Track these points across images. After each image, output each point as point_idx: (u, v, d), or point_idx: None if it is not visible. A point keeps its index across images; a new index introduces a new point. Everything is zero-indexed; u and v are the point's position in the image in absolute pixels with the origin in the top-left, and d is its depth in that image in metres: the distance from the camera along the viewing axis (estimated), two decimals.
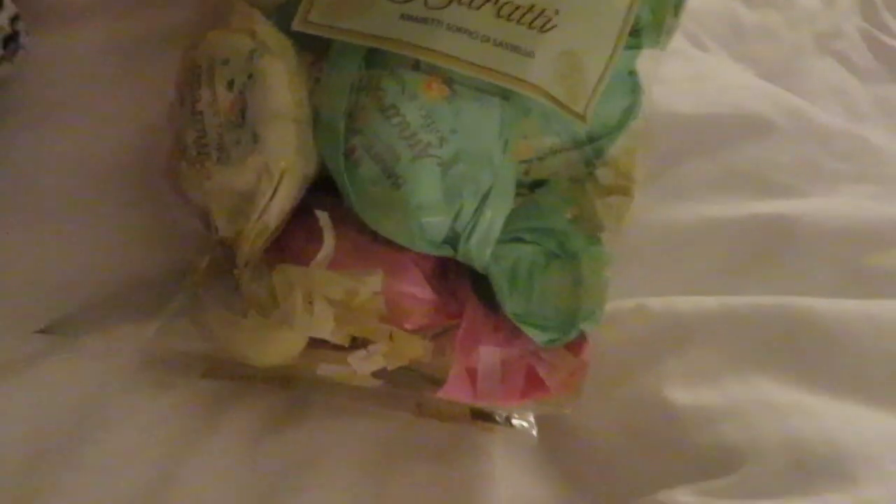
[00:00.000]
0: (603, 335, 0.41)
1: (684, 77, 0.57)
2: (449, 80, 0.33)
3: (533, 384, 0.35)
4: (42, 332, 0.37)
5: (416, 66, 0.33)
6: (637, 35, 0.37)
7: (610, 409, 0.40)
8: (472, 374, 0.34)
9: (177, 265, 0.38)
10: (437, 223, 0.33)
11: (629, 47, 0.37)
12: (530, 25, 0.33)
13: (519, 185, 0.36)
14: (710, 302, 0.43)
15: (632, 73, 0.38)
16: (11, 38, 0.38)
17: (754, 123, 0.53)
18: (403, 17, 0.33)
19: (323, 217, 0.33)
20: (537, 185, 0.37)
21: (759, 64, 0.88)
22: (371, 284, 0.33)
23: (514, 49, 0.33)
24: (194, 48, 0.36)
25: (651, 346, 0.41)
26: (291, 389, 0.37)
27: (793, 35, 0.92)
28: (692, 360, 0.40)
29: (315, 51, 0.35)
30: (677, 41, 0.76)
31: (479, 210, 0.34)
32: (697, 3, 0.87)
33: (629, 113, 0.37)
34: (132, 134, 0.41)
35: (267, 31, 0.34)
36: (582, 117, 0.34)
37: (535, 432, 0.38)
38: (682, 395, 0.39)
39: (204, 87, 0.35)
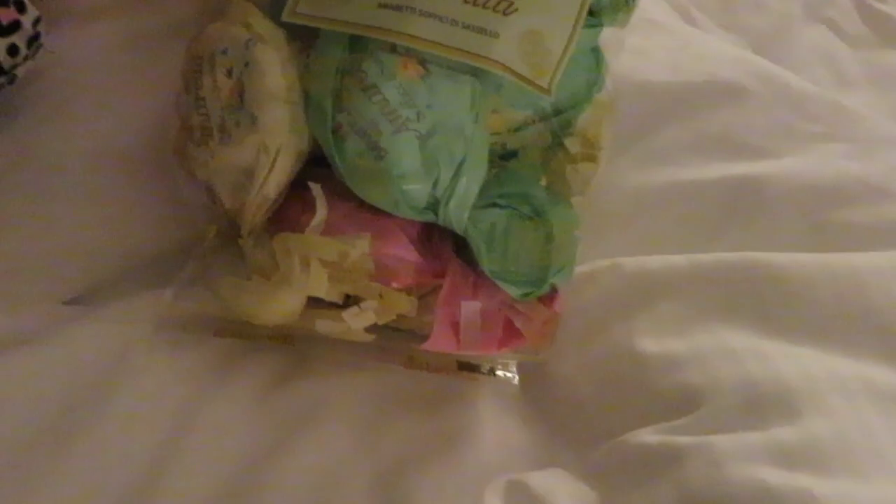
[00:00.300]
0: (580, 292, 0.44)
1: (663, 47, 0.59)
2: (423, 61, 0.37)
3: (510, 334, 0.38)
4: (68, 303, 0.41)
5: (394, 48, 0.37)
6: (597, 15, 0.41)
7: (585, 360, 0.43)
8: (455, 327, 0.38)
9: (188, 237, 0.41)
10: (417, 190, 0.37)
11: (589, 26, 0.40)
12: (494, 9, 0.37)
13: (493, 155, 0.40)
14: (679, 259, 0.46)
15: (595, 50, 0.41)
16: (34, 38, 0.41)
17: (728, 89, 0.55)
18: (381, 5, 0.37)
19: (315, 188, 0.37)
20: (511, 155, 0.41)
21: (748, 34, 0.90)
22: (360, 247, 0.36)
23: (481, 31, 0.36)
24: (196, 40, 0.39)
25: (624, 301, 0.44)
26: (295, 346, 0.41)
27: (782, 4, 0.93)
28: (661, 313, 0.43)
29: (304, 39, 0.38)
30: (664, 15, 0.79)
31: (455, 177, 0.37)
32: None
33: (593, 86, 0.41)
34: (145, 121, 0.44)
35: (260, 22, 0.38)
36: (546, 91, 0.38)
37: (516, 381, 0.41)
38: (650, 344, 0.42)
39: (206, 75, 0.38)
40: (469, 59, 0.36)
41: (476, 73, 0.37)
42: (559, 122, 0.40)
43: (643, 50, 0.60)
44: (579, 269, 0.43)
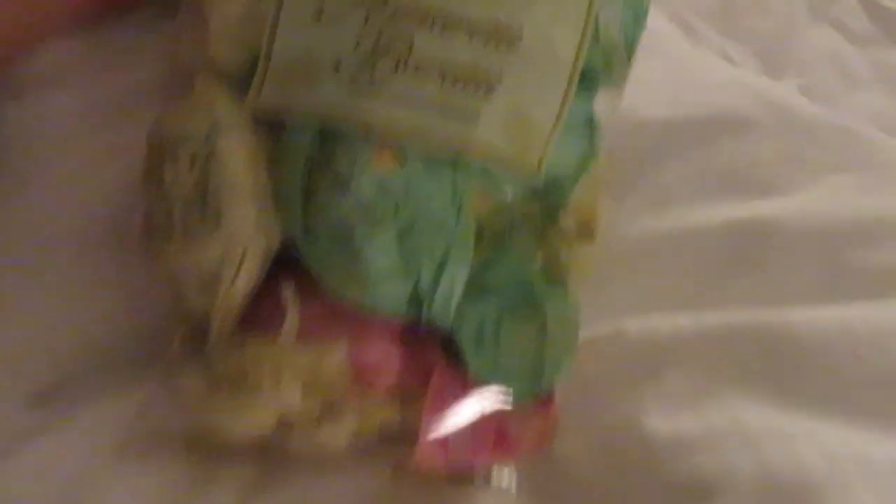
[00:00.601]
0: (582, 363, 0.42)
1: (663, 78, 0.57)
2: (399, 150, 0.34)
3: (504, 441, 0.36)
4: (31, 407, 0.39)
5: (367, 137, 0.34)
6: (590, 79, 0.38)
7: (591, 440, 0.40)
8: (442, 437, 0.35)
9: (154, 333, 0.39)
10: (397, 291, 0.34)
11: (583, 91, 0.37)
12: (475, 90, 0.34)
13: (481, 238, 0.37)
14: (685, 322, 0.43)
15: (589, 118, 0.38)
16: None
17: (733, 121, 0.53)
18: (351, 91, 0.34)
19: (287, 290, 0.34)
20: (499, 235, 0.38)
21: (751, 39, 0.87)
22: (336, 355, 0.34)
23: (460, 114, 0.34)
24: (159, 125, 0.37)
25: (629, 372, 0.42)
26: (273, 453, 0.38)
27: (786, 5, 0.90)
28: (669, 385, 0.41)
29: (273, 123, 0.36)
30: (663, 28, 0.75)
31: (437, 275, 0.34)
32: None
33: (587, 158, 0.38)
34: (107, 201, 0.42)
35: (225, 107, 0.35)
36: (535, 171, 0.35)
37: (514, 489, 0.39)
38: (659, 422, 0.39)
39: (168, 165, 0.35)
40: (450, 147, 0.33)
41: (457, 159, 0.34)
42: (551, 198, 0.37)
43: (640, 79, 0.57)
44: (581, 333, 0.40)
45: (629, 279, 0.46)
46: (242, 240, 0.34)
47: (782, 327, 0.42)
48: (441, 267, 0.34)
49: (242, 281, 0.34)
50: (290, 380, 0.33)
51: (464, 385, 0.35)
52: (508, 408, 0.35)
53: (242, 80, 0.36)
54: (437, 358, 0.36)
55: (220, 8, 0.36)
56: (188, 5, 0.38)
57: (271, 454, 0.37)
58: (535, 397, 0.36)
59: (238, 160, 0.34)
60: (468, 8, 0.33)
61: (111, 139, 0.43)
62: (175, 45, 0.40)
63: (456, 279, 0.35)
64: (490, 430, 0.35)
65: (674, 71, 0.58)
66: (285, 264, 0.36)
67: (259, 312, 0.36)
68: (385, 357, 0.35)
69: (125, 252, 0.40)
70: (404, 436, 0.36)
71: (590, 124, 0.38)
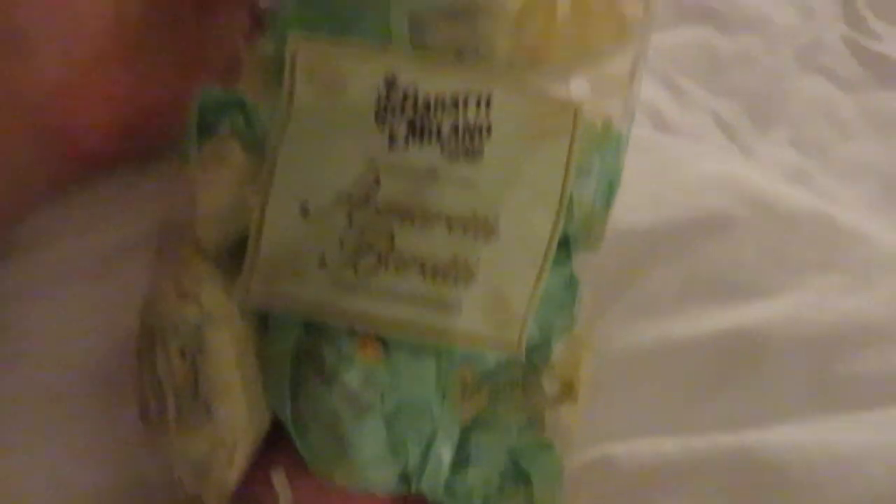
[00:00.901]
0: (570, 496, 0.43)
1: (641, 178, 0.57)
2: (383, 342, 0.35)
3: None
4: None
5: (353, 330, 0.35)
6: (568, 244, 0.38)
7: None
8: None
9: (151, 492, 0.40)
10: (386, 473, 0.35)
11: (560, 255, 0.38)
12: (455, 280, 0.35)
13: (465, 403, 0.38)
14: (672, 448, 0.44)
15: (568, 279, 0.39)
16: None
17: (714, 221, 0.53)
18: (335, 284, 0.35)
19: (278, 478, 0.36)
20: (484, 401, 0.39)
21: (739, 95, 0.87)
22: None
23: (441, 305, 0.35)
24: (148, 310, 0.37)
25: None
26: None
27: (772, 57, 0.90)
28: None
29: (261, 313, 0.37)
30: (647, 101, 0.76)
31: (424, 455, 0.35)
32: (668, 38, 0.86)
33: (567, 320, 0.39)
34: (96, 352, 0.43)
35: (213, 298, 0.36)
36: (515, 348, 0.36)
37: None
38: None
39: (159, 353, 0.36)
40: (432, 338, 0.34)
41: (439, 347, 0.35)
42: (533, 362, 0.38)
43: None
44: (567, 462, 0.41)
45: (616, 398, 0.46)
46: (233, 433, 0.35)
47: (766, 451, 0.43)
48: (428, 447, 0.35)
49: (234, 471, 0.35)
50: None
51: None
52: None
53: (229, 257, 0.37)
54: None
55: (207, 193, 0.36)
56: (180, 179, 0.38)
57: None
58: None
59: (228, 357, 0.35)
60: (446, 202, 0.34)
61: (100, 297, 0.44)
62: (164, 209, 0.41)
63: (443, 456, 0.36)
64: None
65: (653, 166, 0.57)
66: (276, 436, 0.37)
67: (252, 488, 0.37)
68: None
69: (119, 408, 0.41)
70: None
71: (569, 284, 0.39)
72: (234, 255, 0.37)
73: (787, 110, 0.88)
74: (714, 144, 0.80)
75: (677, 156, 0.60)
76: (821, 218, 0.55)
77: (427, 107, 0.34)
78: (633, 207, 0.54)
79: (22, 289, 0.44)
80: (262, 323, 0.36)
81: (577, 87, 0.38)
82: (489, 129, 0.35)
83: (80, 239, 0.46)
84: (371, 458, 0.34)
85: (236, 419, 0.35)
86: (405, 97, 0.34)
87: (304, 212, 0.34)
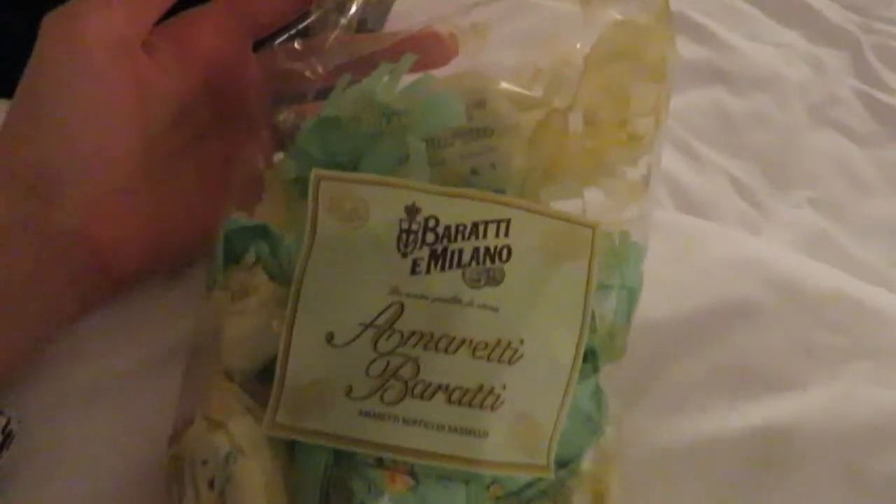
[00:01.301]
0: None
1: (664, 264, 0.57)
2: (412, 471, 0.35)
3: None
4: None
5: (381, 461, 0.35)
6: (592, 358, 0.39)
7: None
8: None
9: None
10: None
11: (585, 370, 0.38)
12: (482, 406, 0.35)
13: None
14: None
15: (594, 390, 0.39)
16: (6, 438, 0.40)
17: (738, 309, 0.53)
18: (362, 413, 0.35)
19: None
20: None
21: (754, 154, 0.87)
22: None
23: (469, 432, 0.35)
24: (177, 440, 0.38)
25: None
26: None
27: (785, 115, 0.91)
28: None
29: (290, 442, 0.37)
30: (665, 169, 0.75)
31: None
32: (681, 101, 0.86)
33: (594, 433, 0.39)
34: (129, 475, 0.43)
35: (241, 427, 0.36)
36: (545, 470, 0.36)
37: None
38: None
39: (188, 485, 0.37)
40: (460, 466, 0.34)
41: (468, 475, 0.35)
42: (561, 474, 0.38)
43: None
44: None
45: (646, 499, 0.45)
46: None
47: None
48: None
49: None
50: None
51: None
52: None
53: (258, 381, 0.38)
54: None
55: (234, 321, 0.37)
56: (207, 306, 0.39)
57: None
58: None
59: (256, 487, 0.35)
60: (470, 328, 0.34)
61: (130, 414, 0.44)
62: (191, 332, 0.42)
63: None
64: None
65: (674, 251, 0.57)
66: None
67: None
68: None
69: None
70: None
71: (596, 396, 0.39)
72: (262, 380, 0.38)
73: (803, 168, 0.88)
74: (733, 211, 0.80)
75: (700, 238, 0.60)
76: (847, 299, 0.55)
77: (447, 234, 0.35)
78: (655, 297, 0.53)
79: (56, 407, 0.45)
80: (291, 448, 0.36)
81: (593, 200, 0.39)
82: (509, 253, 0.35)
83: (109, 356, 0.46)
84: None
85: None
86: (426, 226, 0.35)
87: (330, 338, 0.35)
